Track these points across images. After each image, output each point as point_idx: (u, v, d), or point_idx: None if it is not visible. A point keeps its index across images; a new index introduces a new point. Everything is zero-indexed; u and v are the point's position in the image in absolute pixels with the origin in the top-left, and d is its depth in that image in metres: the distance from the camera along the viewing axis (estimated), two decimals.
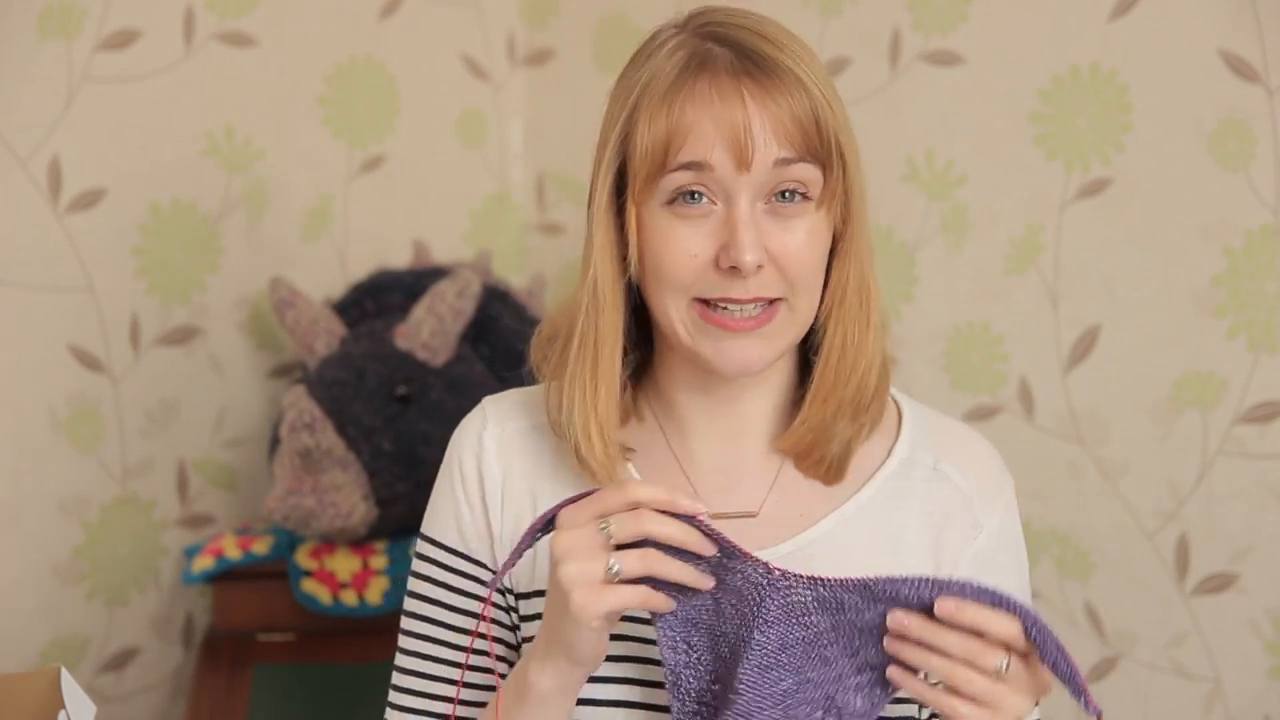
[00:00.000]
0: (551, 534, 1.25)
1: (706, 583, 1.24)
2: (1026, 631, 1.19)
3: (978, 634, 1.17)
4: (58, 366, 2.17)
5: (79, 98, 2.16)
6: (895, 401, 1.43)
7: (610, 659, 1.34)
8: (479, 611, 1.40)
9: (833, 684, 1.25)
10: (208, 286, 2.30)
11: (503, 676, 1.36)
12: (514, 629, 1.41)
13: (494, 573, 1.40)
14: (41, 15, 2.12)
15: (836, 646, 1.24)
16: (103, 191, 2.19)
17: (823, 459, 1.37)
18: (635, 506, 1.21)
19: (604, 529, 1.21)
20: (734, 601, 1.25)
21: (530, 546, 1.27)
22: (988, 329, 2.14)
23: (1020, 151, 2.09)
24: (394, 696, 1.43)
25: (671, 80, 1.30)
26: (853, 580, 1.23)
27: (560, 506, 1.25)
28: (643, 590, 1.22)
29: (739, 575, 1.25)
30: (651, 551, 1.22)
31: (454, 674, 1.41)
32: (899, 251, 2.18)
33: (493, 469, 1.40)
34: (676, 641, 1.26)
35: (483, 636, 1.37)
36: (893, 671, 1.21)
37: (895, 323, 2.19)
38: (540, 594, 1.37)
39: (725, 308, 1.30)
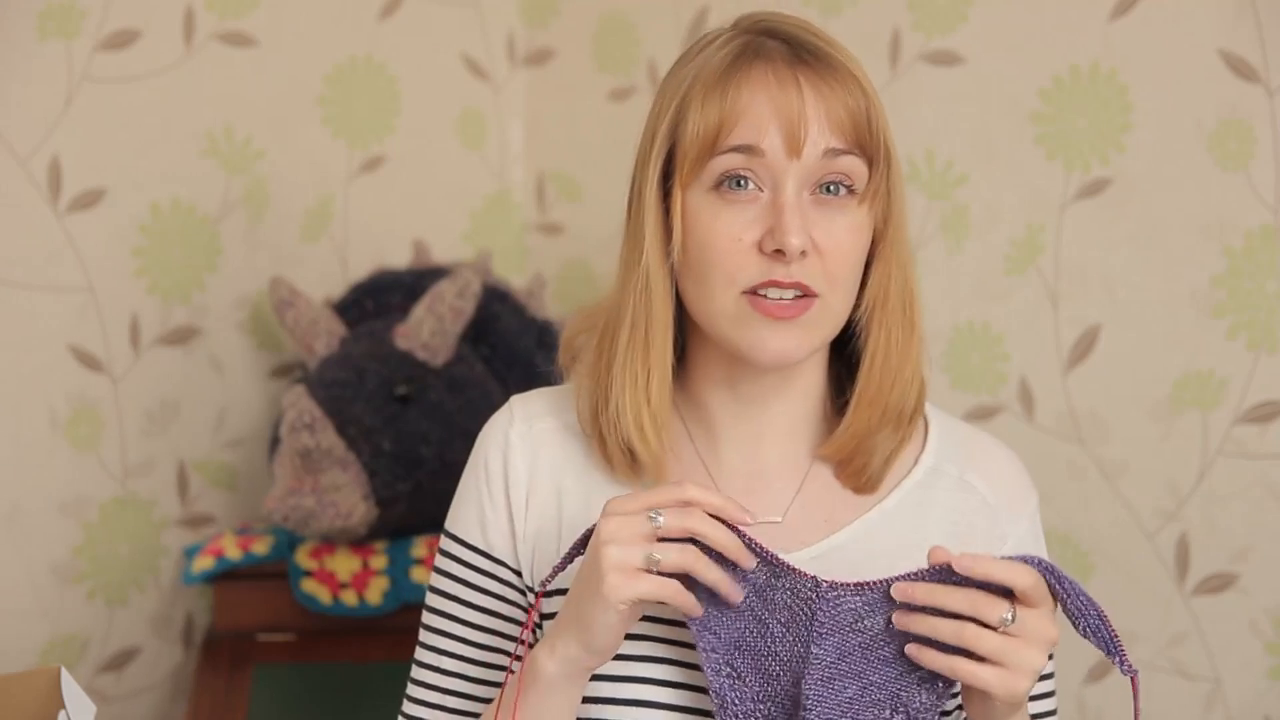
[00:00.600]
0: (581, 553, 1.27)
1: (736, 595, 1.25)
2: (1050, 586, 1.22)
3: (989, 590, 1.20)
4: (58, 366, 2.17)
5: (79, 98, 2.16)
6: None
7: (656, 660, 1.34)
8: (499, 610, 1.40)
9: (896, 682, 1.26)
10: (208, 286, 2.30)
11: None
12: (535, 628, 1.41)
13: (515, 571, 1.40)
14: (41, 15, 2.12)
15: (894, 645, 1.26)
16: (103, 191, 2.19)
17: (864, 469, 1.38)
18: (687, 504, 1.23)
19: (654, 519, 1.23)
20: (783, 619, 1.26)
21: (578, 555, 1.28)
22: (988, 329, 2.14)
23: (1020, 151, 2.09)
24: (411, 689, 1.44)
25: (726, 66, 1.31)
26: (899, 577, 1.25)
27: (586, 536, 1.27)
28: (674, 585, 1.23)
29: (786, 591, 1.26)
30: (692, 549, 1.23)
31: (470, 670, 1.41)
32: None
33: (518, 467, 1.41)
34: (720, 664, 1.27)
35: (518, 657, 1.36)
36: (910, 647, 1.22)
37: None
38: (561, 593, 1.37)
39: (767, 295, 1.30)
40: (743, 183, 1.30)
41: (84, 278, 2.18)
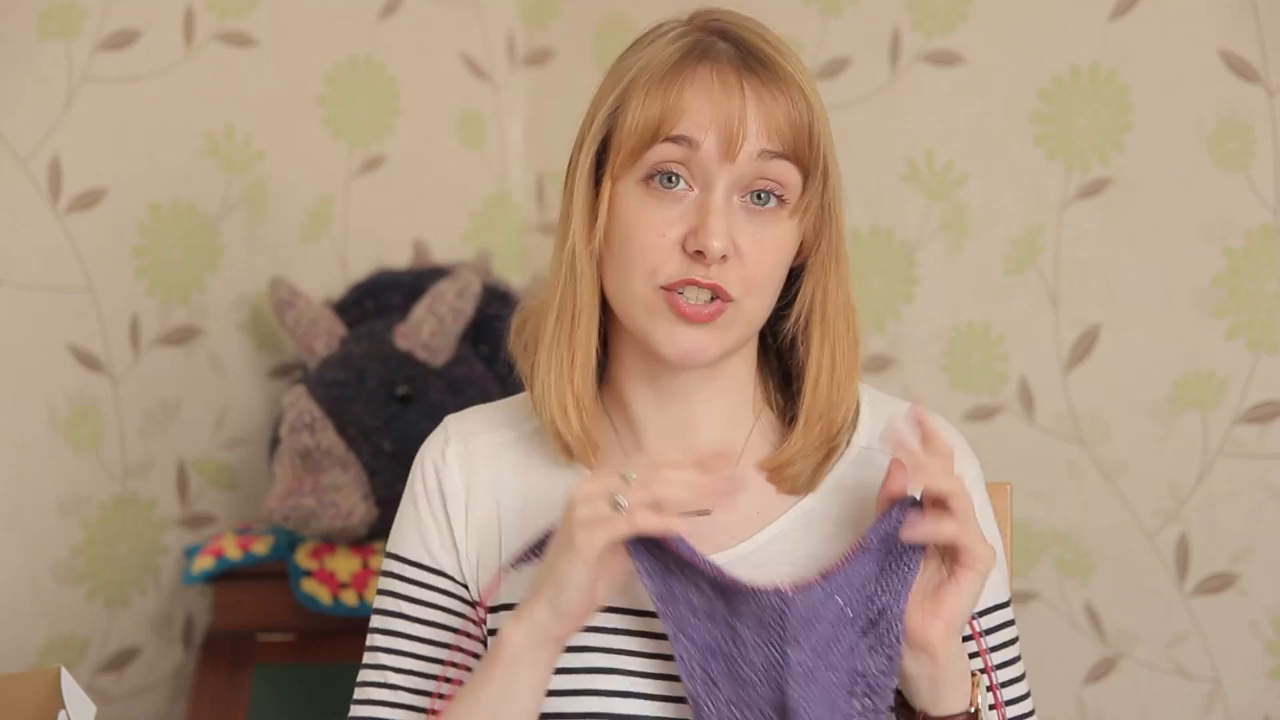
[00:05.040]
0: (536, 560, 1.28)
1: (708, 503, 1.25)
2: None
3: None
4: (58, 366, 2.17)
5: (79, 98, 2.16)
6: None
7: (634, 654, 1.34)
8: (446, 623, 1.39)
9: (849, 657, 1.27)
10: (208, 286, 2.30)
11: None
12: (484, 641, 1.40)
13: (460, 584, 1.39)
14: (41, 15, 2.12)
15: (844, 621, 1.27)
16: (103, 191, 2.19)
17: (797, 476, 1.37)
18: (661, 469, 1.24)
19: (625, 475, 1.23)
20: (752, 627, 1.26)
21: (514, 569, 1.29)
22: (988, 329, 2.14)
23: (1020, 151, 2.09)
24: (355, 709, 1.44)
25: (672, 63, 1.31)
26: (849, 552, 1.27)
27: (545, 536, 1.27)
28: (639, 520, 1.22)
29: (752, 603, 1.26)
30: (655, 482, 1.23)
31: (421, 683, 1.40)
32: (899, 251, 2.18)
33: (455, 483, 1.40)
34: (694, 669, 1.27)
35: (453, 666, 1.36)
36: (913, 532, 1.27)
37: (895, 323, 2.19)
38: (508, 608, 1.36)
39: (682, 292, 1.30)
40: (674, 179, 1.30)
41: (84, 278, 2.18)
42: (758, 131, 1.29)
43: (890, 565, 1.28)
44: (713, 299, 1.30)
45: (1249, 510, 1.98)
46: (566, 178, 1.36)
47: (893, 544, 1.28)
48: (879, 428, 1.40)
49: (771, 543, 1.36)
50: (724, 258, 1.29)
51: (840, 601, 1.27)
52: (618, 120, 1.32)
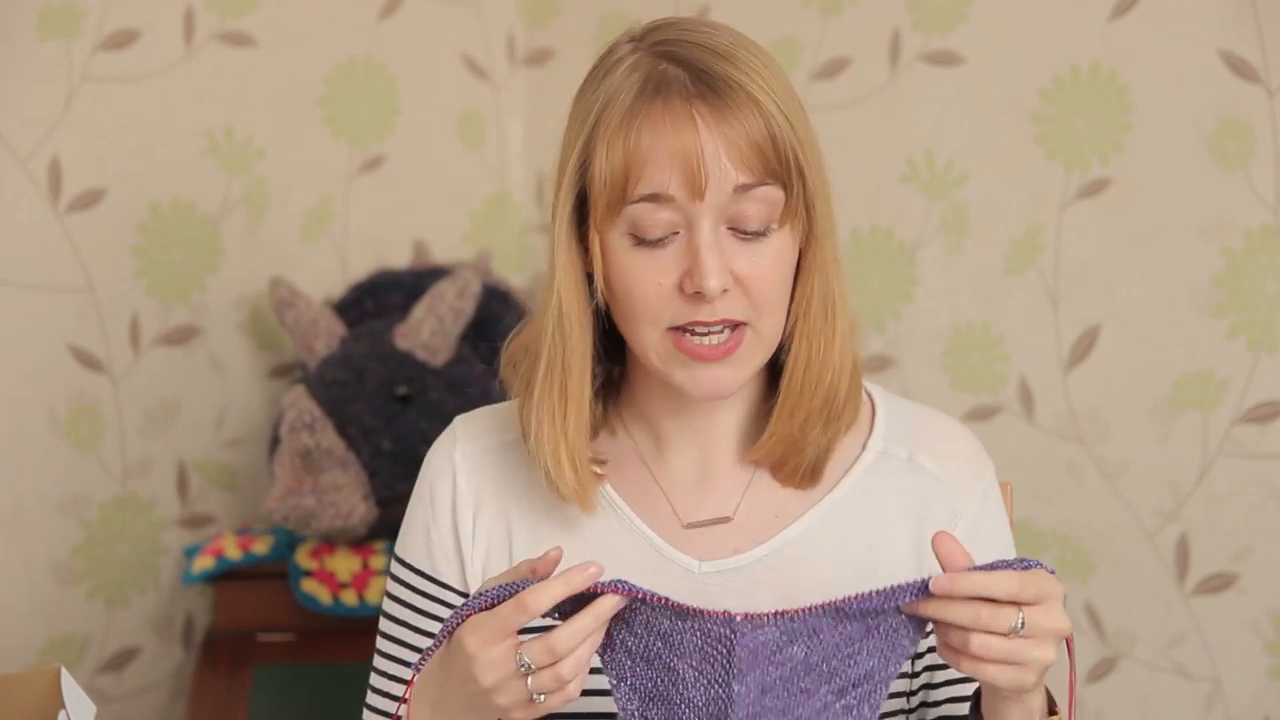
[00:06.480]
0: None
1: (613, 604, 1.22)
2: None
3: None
4: (58, 366, 2.17)
5: (79, 98, 2.16)
6: (869, 395, 1.42)
7: (594, 715, 1.34)
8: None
9: (820, 714, 1.24)
10: (208, 286, 2.30)
11: None
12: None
13: (461, 595, 1.39)
14: (41, 15, 2.12)
15: (814, 675, 1.24)
16: (103, 191, 2.19)
17: (797, 468, 1.37)
18: (534, 614, 1.19)
19: (522, 666, 1.19)
20: (695, 663, 1.24)
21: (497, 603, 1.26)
22: (988, 329, 2.14)
23: (1020, 151, 2.09)
24: (366, 716, 1.44)
25: (628, 105, 1.28)
26: (821, 606, 1.22)
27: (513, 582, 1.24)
28: (570, 692, 1.21)
29: (696, 634, 1.23)
30: (569, 667, 1.20)
31: None
32: (899, 251, 2.18)
33: (465, 490, 1.40)
34: (635, 716, 1.26)
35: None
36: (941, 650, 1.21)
37: (895, 323, 2.19)
38: None
39: (694, 333, 1.29)
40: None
41: (84, 278, 2.18)
42: (722, 166, 1.26)
43: (880, 629, 1.23)
44: (726, 331, 1.29)
45: (1249, 510, 1.98)
46: (551, 227, 1.34)
47: (887, 614, 1.23)
48: (895, 433, 1.40)
49: (788, 545, 1.36)
50: (724, 290, 1.28)
51: (803, 653, 1.23)
52: (588, 173, 1.29)
